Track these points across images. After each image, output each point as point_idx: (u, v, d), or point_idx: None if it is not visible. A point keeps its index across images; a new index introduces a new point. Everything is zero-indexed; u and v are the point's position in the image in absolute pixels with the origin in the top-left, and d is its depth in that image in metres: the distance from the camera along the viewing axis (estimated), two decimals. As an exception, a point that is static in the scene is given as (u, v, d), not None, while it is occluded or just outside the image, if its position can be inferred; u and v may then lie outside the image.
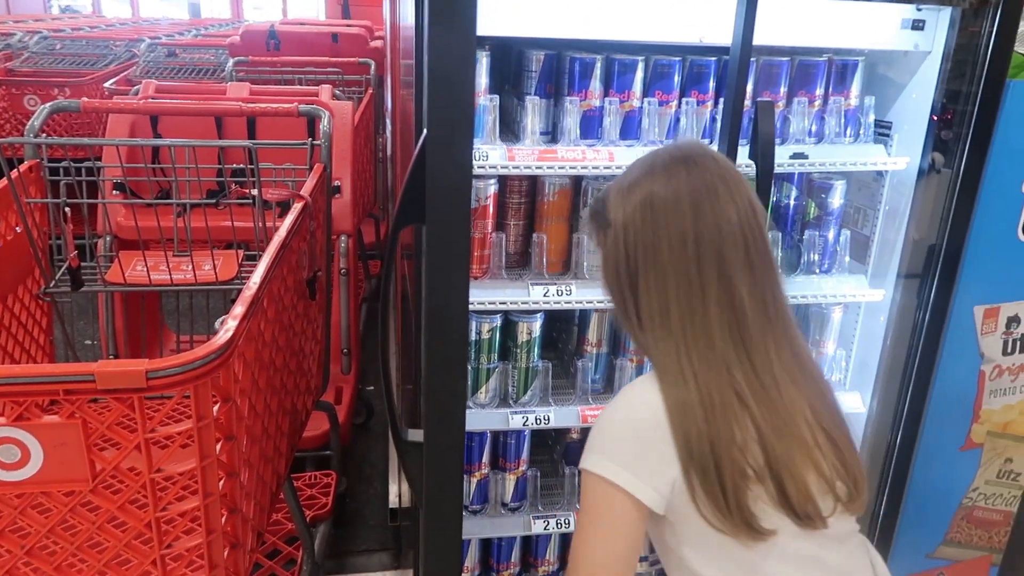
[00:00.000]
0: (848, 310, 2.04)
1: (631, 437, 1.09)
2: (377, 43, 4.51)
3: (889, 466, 1.96)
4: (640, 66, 1.74)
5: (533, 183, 1.84)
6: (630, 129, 1.77)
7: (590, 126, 1.75)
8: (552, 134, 1.79)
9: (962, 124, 1.73)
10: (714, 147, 1.77)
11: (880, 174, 1.92)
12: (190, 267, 2.05)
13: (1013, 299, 1.85)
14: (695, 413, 1.05)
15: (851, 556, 1.16)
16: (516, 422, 1.82)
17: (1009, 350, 1.91)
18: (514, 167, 1.65)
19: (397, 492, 2.72)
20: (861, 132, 1.88)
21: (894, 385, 1.94)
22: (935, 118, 1.76)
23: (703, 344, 1.09)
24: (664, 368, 1.10)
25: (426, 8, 1.05)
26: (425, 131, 1.03)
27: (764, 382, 1.09)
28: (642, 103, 1.76)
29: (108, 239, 2.40)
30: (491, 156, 1.61)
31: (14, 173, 1.83)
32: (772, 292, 1.13)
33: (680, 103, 1.78)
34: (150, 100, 2.62)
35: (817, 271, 1.94)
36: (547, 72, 1.76)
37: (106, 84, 3.94)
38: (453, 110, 1.03)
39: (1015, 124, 1.70)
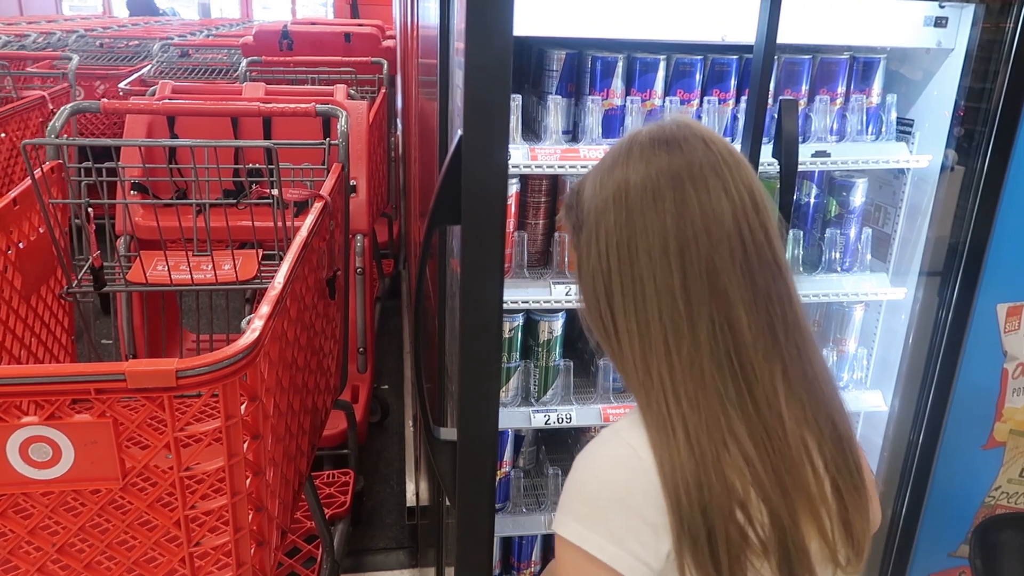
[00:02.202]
0: (869, 308, 2.03)
1: (615, 500, 0.88)
2: (389, 42, 4.52)
3: (911, 465, 1.96)
4: (662, 65, 1.74)
5: (554, 182, 1.84)
6: (651, 128, 1.76)
7: (611, 125, 1.75)
8: (573, 133, 1.79)
9: (985, 121, 1.72)
10: (737, 145, 1.77)
11: (901, 171, 1.92)
12: (210, 267, 2.06)
13: (1037, 296, 1.84)
14: (684, 471, 0.85)
15: None
16: (538, 420, 1.82)
17: (1032, 348, 1.90)
18: (536, 166, 1.65)
19: (414, 491, 2.72)
20: (883, 130, 1.87)
21: (916, 383, 1.93)
22: (961, 114, 1.75)
23: (692, 379, 0.87)
24: (648, 409, 0.89)
25: (458, 8, 1.05)
26: (460, 132, 1.04)
27: (768, 423, 0.88)
28: (664, 102, 1.76)
29: (127, 239, 2.41)
30: (514, 155, 1.62)
31: (37, 173, 1.84)
32: (782, 307, 0.90)
33: (702, 102, 1.78)
34: (167, 101, 2.63)
35: (838, 269, 1.94)
36: (568, 71, 1.76)
37: (121, 85, 3.95)
38: (489, 111, 1.03)
39: (1039, 121, 1.69)
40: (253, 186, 2.15)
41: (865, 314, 2.02)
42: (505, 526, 1.93)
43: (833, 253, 1.93)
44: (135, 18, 9.09)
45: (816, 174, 1.94)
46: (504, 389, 1.83)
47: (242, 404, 1.27)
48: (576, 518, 0.89)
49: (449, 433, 1.21)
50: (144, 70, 4.43)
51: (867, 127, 1.86)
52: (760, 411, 0.88)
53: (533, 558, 2.12)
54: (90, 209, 1.93)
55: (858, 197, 1.92)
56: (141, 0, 11.06)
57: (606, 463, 0.91)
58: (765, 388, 0.88)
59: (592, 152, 1.68)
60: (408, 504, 2.71)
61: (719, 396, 0.88)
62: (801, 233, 1.92)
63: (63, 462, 1.17)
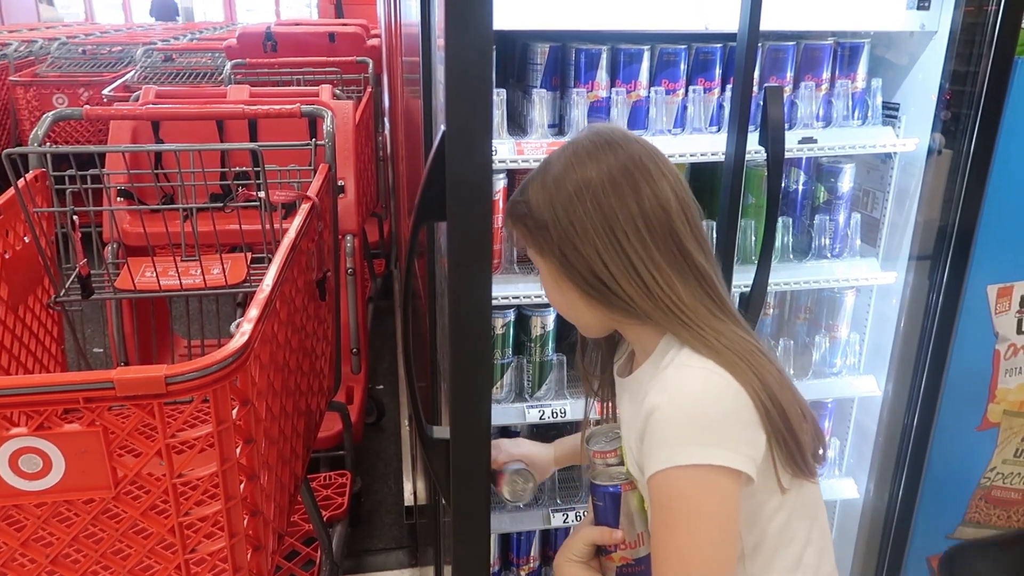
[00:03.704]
0: (860, 294, 2.04)
1: (724, 416, 1.03)
2: (374, 41, 4.50)
3: (906, 448, 1.96)
4: (646, 56, 1.73)
5: (541, 176, 1.83)
6: (637, 119, 1.76)
7: (597, 117, 1.75)
8: (559, 127, 1.78)
9: (970, 104, 1.72)
10: (723, 135, 1.77)
11: (889, 156, 1.92)
12: (199, 271, 2.05)
13: (1025, 278, 1.85)
14: (748, 374, 1.03)
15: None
16: (532, 416, 1.81)
17: (1023, 328, 1.91)
18: (523, 161, 1.64)
19: (412, 490, 2.72)
20: (869, 115, 1.87)
21: (908, 367, 1.93)
22: (946, 97, 1.75)
23: (703, 314, 1.07)
24: (690, 343, 1.06)
25: (439, 4, 1.04)
26: (443, 127, 1.03)
27: (752, 338, 1.10)
28: (649, 92, 1.75)
29: (115, 246, 2.40)
30: (500, 151, 1.61)
31: (20, 182, 1.83)
32: (715, 265, 1.12)
33: (687, 91, 1.77)
34: (151, 106, 2.62)
35: (828, 255, 1.94)
36: (552, 64, 1.75)
37: (105, 91, 3.93)
38: (471, 106, 1.02)
39: (1023, 101, 1.69)
40: (240, 189, 2.13)
41: (856, 300, 2.02)
42: (503, 522, 1.92)
43: (823, 239, 1.93)
44: (117, 24, 9.04)
45: (803, 161, 1.93)
46: (497, 386, 1.82)
47: (234, 408, 1.26)
48: (697, 442, 1.01)
49: (442, 432, 1.20)
50: (128, 76, 4.40)
51: (853, 112, 1.86)
52: (744, 331, 1.10)
53: (532, 553, 2.11)
54: (75, 217, 1.91)
55: (846, 183, 1.92)
56: (165, 1, 11.04)
57: (708, 390, 1.04)
58: (736, 319, 1.11)
59: (579, 145, 1.67)
60: (406, 503, 2.70)
61: (724, 320, 1.08)
62: (790, 220, 1.92)
63: (54, 473, 1.16)
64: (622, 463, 1.20)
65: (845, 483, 2.13)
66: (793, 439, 1.06)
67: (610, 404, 1.34)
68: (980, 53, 1.68)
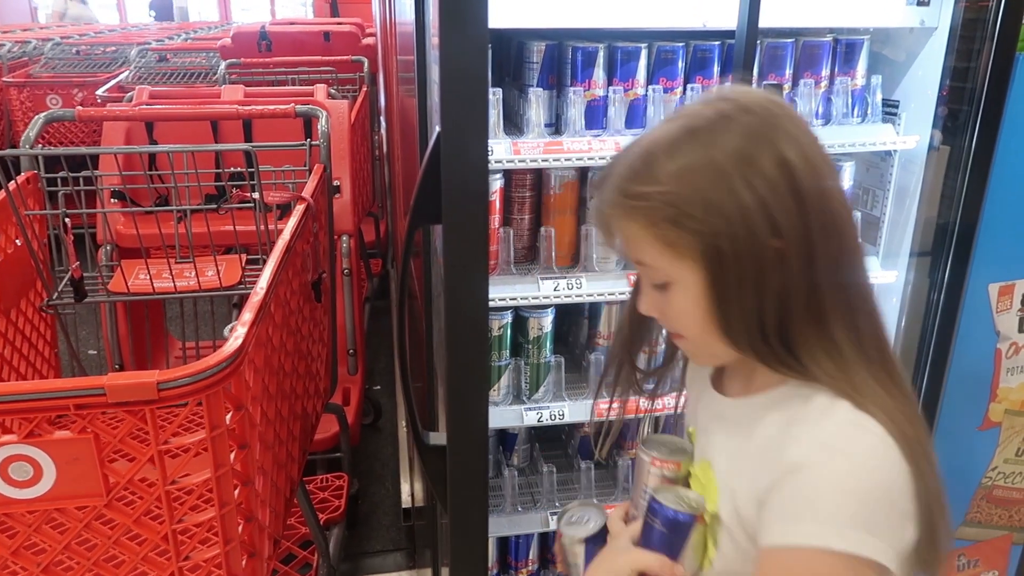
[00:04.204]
0: (860, 292, 2.02)
1: (882, 494, 0.83)
2: (369, 40, 4.48)
3: (907, 448, 1.94)
4: (643, 53, 1.72)
5: (538, 176, 1.81)
6: (635, 117, 1.74)
7: (594, 116, 1.73)
8: (556, 126, 1.77)
9: (971, 100, 1.70)
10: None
11: (888, 153, 1.90)
12: (193, 273, 2.03)
13: (1027, 275, 1.83)
14: (917, 453, 0.84)
15: None
16: (530, 418, 1.80)
17: (1024, 327, 1.89)
18: (520, 161, 1.63)
19: (409, 491, 2.71)
20: (869, 112, 1.85)
21: (909, 366, 1.92)
22: (945, 94, 1.73)
23: (876, 360, 0.87)
24: (851, 396, 0.86)
25: (433, 2, 1.02)
26: (438, 128, 1.01)
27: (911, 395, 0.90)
28: (647, 91, 1.73)
29: (108, 248, 2.38)
30: (496, 150, 1.59)
31: (11, 185, 1.81)
32: None
33: (685, 89, 1.75)
34: (144, 106, 2.59)
35: (828, 254, 1.92)
36: (549, 63, 1.74)
37: (98, 92, 3.90)
38: (467, 105, 1.00)
39: (1025, 98, 1.68)
40: (234, 190, 2.11)
41: (856, 298, 2.00)
42: (500, 526, 1.91)
43: (822, 238, 1.91)
44: (112, 24, 9.00)
45: (803, 159, 1.91)
46: (495, 388, 1.81)
47: (228, 413, 1.24)
48: (858, 526, 0.81)
49: (439, 438, 1.19)
50: (122, 76, 4.37)
51: (852, 110, 1.84)
52: (903, 387, 0.91)
53: (530, 556, 2.10)
54: (67, 219, 1.89)
55: (846, 181, 1.90)
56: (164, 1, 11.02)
57: (881, 465, 0.83)
58: (894, 360, 0.92)
59: (576, 144, 1.65)
60: (404, 505, 2.69)
61: (889, 373, 0.89)
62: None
63: (45, 480, 1.15)
64: (681, 480, 1.04)
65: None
66: (932, 545, 0.85)
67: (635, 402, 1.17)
68: (980, 49, 1.67)
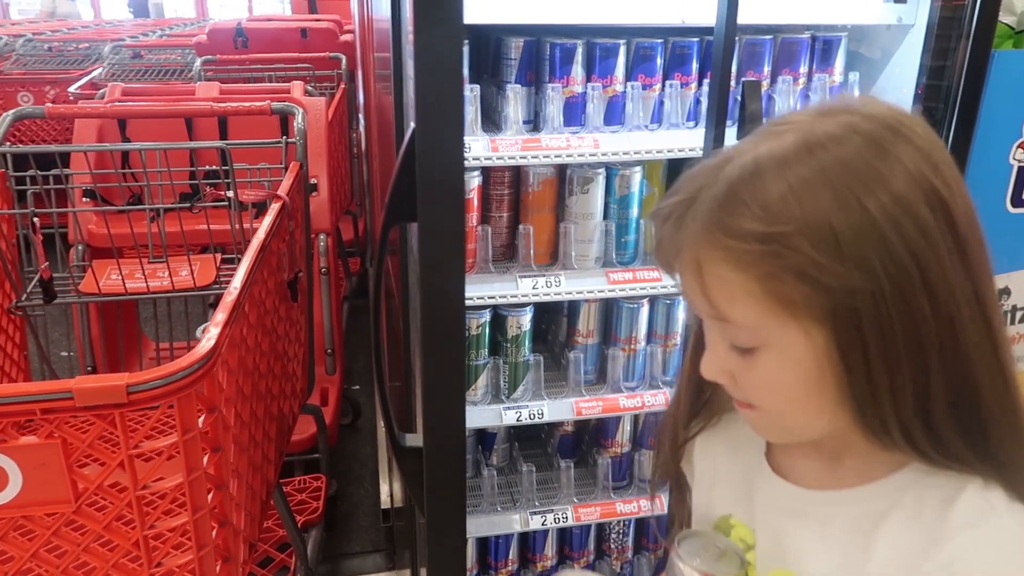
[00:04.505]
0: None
1: None
2: (347, 37, 4.44)
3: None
4: (622, 50, 1.71)
5: (517, 173, 1.80)
6: (614, 114, 1.73)
7: (573, 113, 1.72)
8: (534, 123, 1.75)
9: (947, 97, 1.71)
10: (700, 130, 1.75)
11: (866, 151, 1.90)
12: (167, 273, 2.00)
13: (1004, 271, 1.84)
14: None
15: None
16: (509, 418, 1.78)
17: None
18: (498, 158, 1.61)
19: (388, 492, 2.68)
20: (846, 109, 1.85)
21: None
22: (921, 92, 1.74)
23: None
24: (1014, 484, 0.69)
25: (407, -4, 1.01)
26: (413, 124, 0.99)
27: None
28: (625, 87, 1.72)
29: (80, 248, 2.34)
30: (474, 148, 1.57)
31: (-22, 184, 1.77)
32: None
33: (664, 86, 1.75)
34: (117, 103, 2.55)
35: (806, 251, 1.92)
36: (527, 59, 1.72)
37: (71, 89, 3.84)
38: (442, 101, 0.98)
39: (1001, 94, 1.68)
40: (208, 188, 2.08)
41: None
42: (480, 526, 1.89)
43: (801, 235, 1.92)
44: (85, 21, 8.87)
45: (781, 156, 1.91)
46: (473, 387, 1.79)
47: (200, 416, 1.22)
48: None
49: (415, 439, 1.17)
50: (95, 73, 4.31)
51: (831, 107, 1.84)
52: None
53: (510, 556, 2.08)
54: (36, 219, 1.85)
55: (824, 178, 1.91)
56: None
57: None
58: None
59: (554, 141, 1.64)
60: (383, 506, 2.67)
61: None
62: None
63: (11, 487, 1.12)
64: None
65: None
66: None
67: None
68: (956, 47, 1.67)
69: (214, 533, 1.29)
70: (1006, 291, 1.88)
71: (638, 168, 1.80)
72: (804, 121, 0.70)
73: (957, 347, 0.66)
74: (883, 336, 0.65)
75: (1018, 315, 1.91)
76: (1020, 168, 1.76)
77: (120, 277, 1.96)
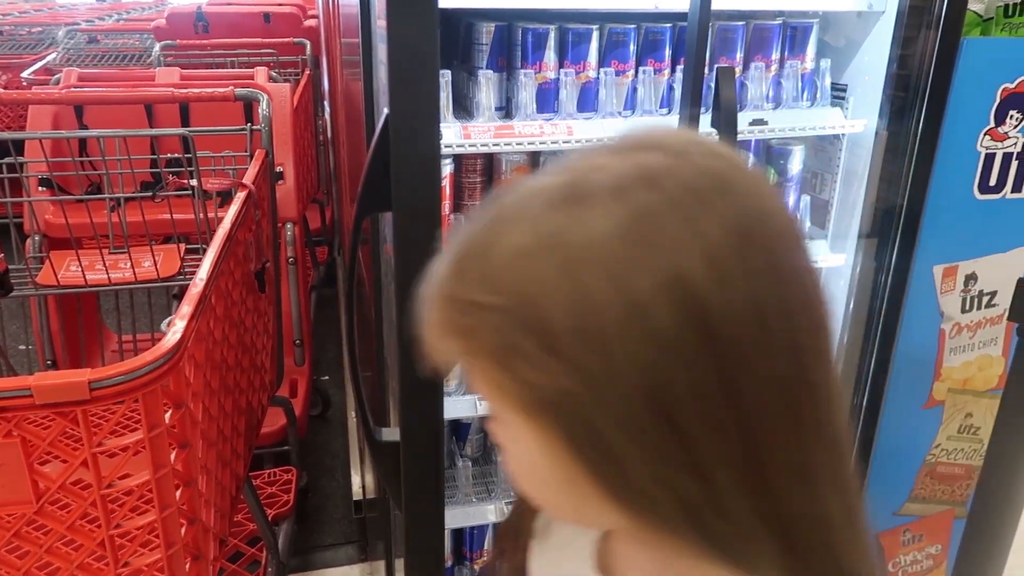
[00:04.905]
0: (809, 276, 2.03)
1: None
2: (311, 22, 4.36)
3: (856, 428, 1.97)
4: (595, 35, 1.68)
5: (489, 161, 1.77)
6: (587, 101, 1.71)
7: (546, 99, 1.69)
8: (507, 109, 1.73)
9: (917, 84, 1.72)
10: (673, 117, 1.74)
11: (837, 137, 1.91)
12: (129, 264, 1.95)
13: (971, 256, 1.86)
14: None
15: None
16: (484, 408, 1.76)
17: (967, 307, 1.93)
18: (470, 145, 1.58)
19: (360, 483, 2.66)
20: (818, 95, 1.85)
21: (857, 348, 1.94)
22: (891, 78, 1.75)
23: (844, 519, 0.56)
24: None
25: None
26: (386, 111, 0.96)
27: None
28: (598, 73, 1.70)
29: (37, 239, 2.26)
30: (446, 135, 1.54)
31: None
32: None
33: (637, 72, 1.73)
34: (73, 89, 2.47)
35: (778, 238, 1.93)
36: (498, 44, 1.69)
37: (24, 74, 3.72)
38: (418, 87, 0.96)
39: (968, 81, 1.70)
40: (171, 177, 2.03)
41: (806, 282, 2.02)
42: (455, 518, 1.87)
43: (773, 222, 1.92)
44: (38, 3, 8.60)
45: (753, 143, 1.91)
46: (448, 378, 1.77)
47: (167, 412, 1.19)
48: None
49: (391, 434, 1.15)
50: (49, 58, 4.18)
51: (802, 93, 1.84)
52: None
53: (485, 547, 2.07)
54: (-10, 209, 1.79)
55: (795, 164, 1.91)
56: None
57: None
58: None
59: (527, 128, 1.62)
60: (355, 497, 2.64)
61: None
62: (740, 203, 1.90)
63: (-32, 488, 1.08)
64: None
65: (796, 464, 2.14)
66: None
67: None
68: (927, 34, 1.68)
69: (183, 531, 1.26)
70: (973, 277, 1.90)
71: (611, 155, 1.78)
72: (584, 167, 0.56)
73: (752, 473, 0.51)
74: (629, 439, 0.49)
75: (984, 299, 1.93)
76: (988, 155, 1.77)
77: (80, 268, 1.90)
